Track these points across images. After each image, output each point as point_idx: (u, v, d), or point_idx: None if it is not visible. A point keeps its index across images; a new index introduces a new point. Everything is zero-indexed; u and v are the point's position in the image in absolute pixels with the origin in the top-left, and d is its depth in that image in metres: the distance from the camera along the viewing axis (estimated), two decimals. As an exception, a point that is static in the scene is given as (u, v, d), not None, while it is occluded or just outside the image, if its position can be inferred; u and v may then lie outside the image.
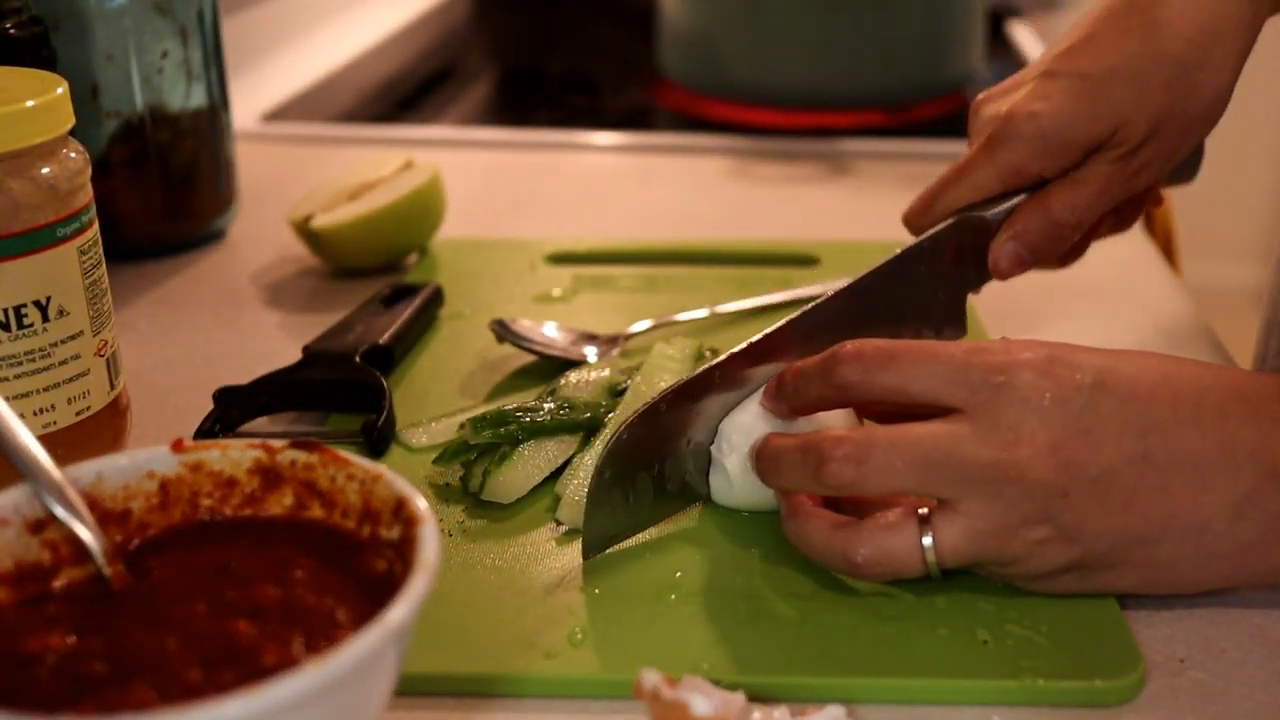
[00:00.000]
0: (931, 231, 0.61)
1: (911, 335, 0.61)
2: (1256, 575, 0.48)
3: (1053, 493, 0.46)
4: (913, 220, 0.64)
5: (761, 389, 0.54)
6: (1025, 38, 1.45)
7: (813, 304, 0.56)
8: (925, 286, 0.61)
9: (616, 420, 0.59)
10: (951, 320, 0.63)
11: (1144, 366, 0.48)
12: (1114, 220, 0.68)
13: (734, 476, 0.54)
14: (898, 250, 0.60)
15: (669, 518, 0.55)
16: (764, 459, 0.51)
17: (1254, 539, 0.47)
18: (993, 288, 0.64)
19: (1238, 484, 0.46)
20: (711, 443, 0.55)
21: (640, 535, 0.54)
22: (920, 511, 0.48)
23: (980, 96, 0.64)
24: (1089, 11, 0.62)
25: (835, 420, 0.54)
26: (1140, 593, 0.50)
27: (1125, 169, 0.60)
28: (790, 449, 0.50)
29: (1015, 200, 0.61)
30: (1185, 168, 0.68)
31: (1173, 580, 0.48)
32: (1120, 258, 0.83)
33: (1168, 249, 1.03)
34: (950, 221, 0.62)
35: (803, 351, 0.54)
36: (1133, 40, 0.59)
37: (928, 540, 0.47)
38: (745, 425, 0.54)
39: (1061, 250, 0.62)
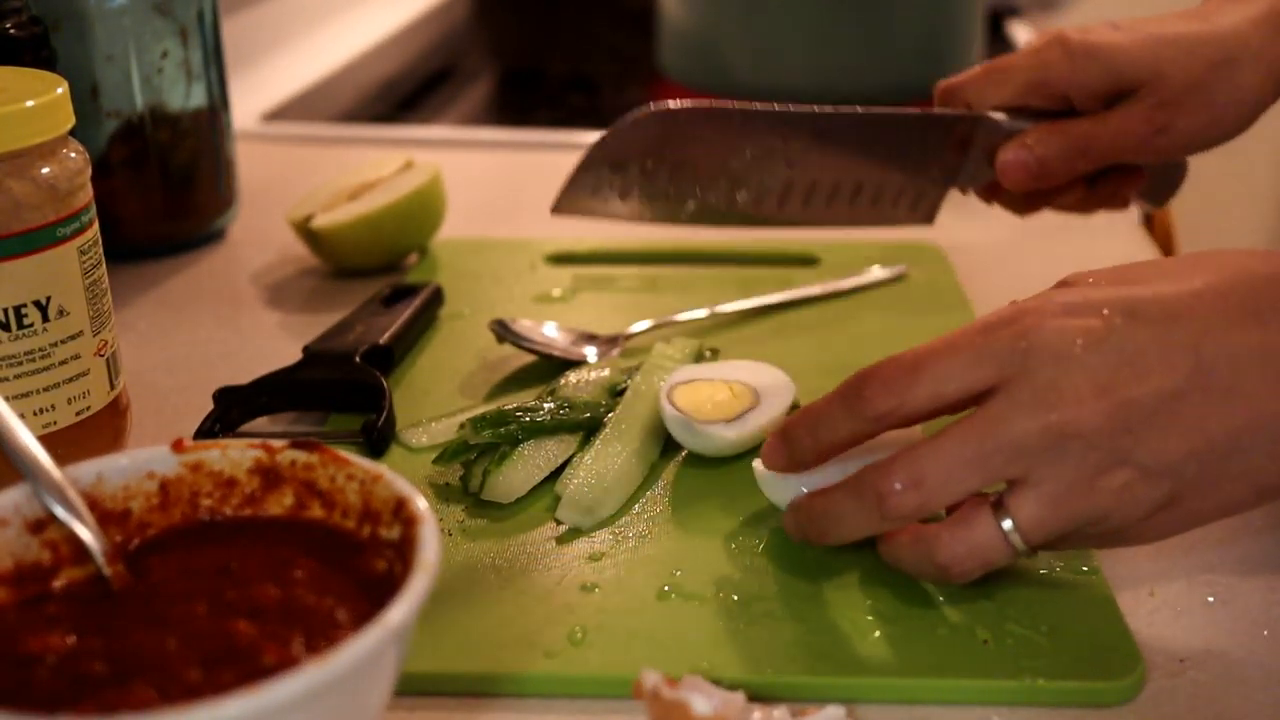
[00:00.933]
0: (955, 111, 0.66)
1: (891, 195, 0.70)
2: None
3: (1117, 435, 0.44)
4: (941, 87, 0.70)
5: None
6: (1025, 38, 1.45)
7: (829, 111, 0.61)
8: (926, 153, 0.67)
9: (616, 420, 0.59)
10: (923, 205, 0.70)
11: (1178, 278, 0.47)
12: (1091, 195, 0.72)
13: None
14: (919, 112, 0.64)
15: (647, 221, 0.55)
16: (817, 519, 0.49)
17: None
18: (991, 284, 0.64)
19: None
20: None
21: (640, 534, 0.54)
22: (993, 497, 0.46)
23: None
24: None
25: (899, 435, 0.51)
26: (1247, 507, 0.47)
27: (1146, 123, 0.66)
28: (842, 499, 0.48)
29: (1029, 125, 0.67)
30: (1164, 186, 0.73)
31: (1278, 485, 0.46)
32: (1120, 256, 0.82)
33: (1167, 249, 1.03)
34: (971, 112, 0.66)
35: (818, 150, 0.65)
36: (1192, 25, 0.67)
37: (1007, 524, 0.45)
38: None
39: (1060, 178, 0.68)
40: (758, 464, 0.53)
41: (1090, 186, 0.72)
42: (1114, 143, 0.67)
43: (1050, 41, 0.67)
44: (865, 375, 0.47)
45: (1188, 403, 0.44)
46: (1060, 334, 0.45)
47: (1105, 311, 0.46)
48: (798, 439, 0.50)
